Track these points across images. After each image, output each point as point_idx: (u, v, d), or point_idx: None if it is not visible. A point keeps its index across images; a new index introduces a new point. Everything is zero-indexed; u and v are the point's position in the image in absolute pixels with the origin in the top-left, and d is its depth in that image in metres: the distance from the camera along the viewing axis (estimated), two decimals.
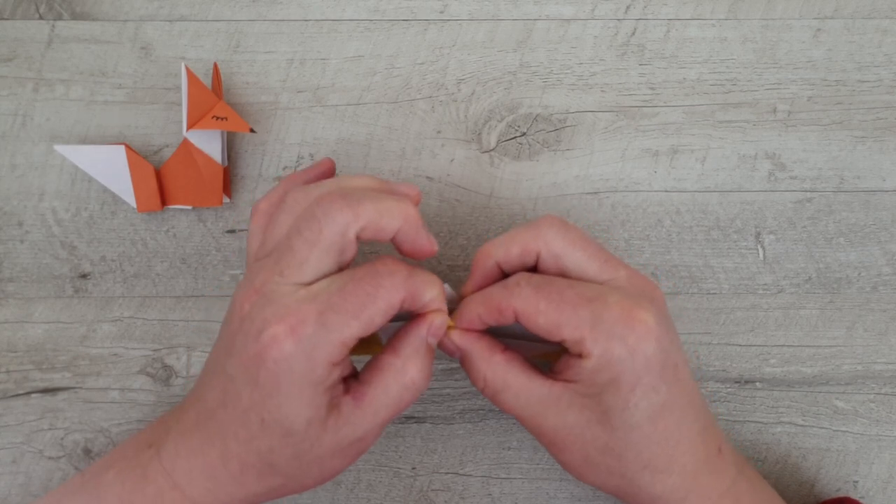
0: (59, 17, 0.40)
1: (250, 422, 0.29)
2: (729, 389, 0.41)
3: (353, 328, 0.28)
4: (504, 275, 0.33)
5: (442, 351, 0.33)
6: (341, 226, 0.29)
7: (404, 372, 0.30)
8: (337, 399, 0.30)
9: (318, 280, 0.29)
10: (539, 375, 0.32)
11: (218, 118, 0.37)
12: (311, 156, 0.40)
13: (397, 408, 0.31)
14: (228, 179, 0.40)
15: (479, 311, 0.32)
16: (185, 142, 0.38)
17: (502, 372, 0.32)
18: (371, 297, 0.28)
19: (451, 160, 0.41)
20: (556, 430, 0.31)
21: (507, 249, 0.32)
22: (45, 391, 0.40)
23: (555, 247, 0.31)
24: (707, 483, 0.33)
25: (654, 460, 0.31)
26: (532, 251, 0.32)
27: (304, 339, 0.28)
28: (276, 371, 0.28)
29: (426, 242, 0.31)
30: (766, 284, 0.41)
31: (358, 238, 0.30)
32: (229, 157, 0.40)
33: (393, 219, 0.30)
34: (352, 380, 0.31)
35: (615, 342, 0.29)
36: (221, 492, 0.31)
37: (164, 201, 0.39)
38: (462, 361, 0.33)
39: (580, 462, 0.32)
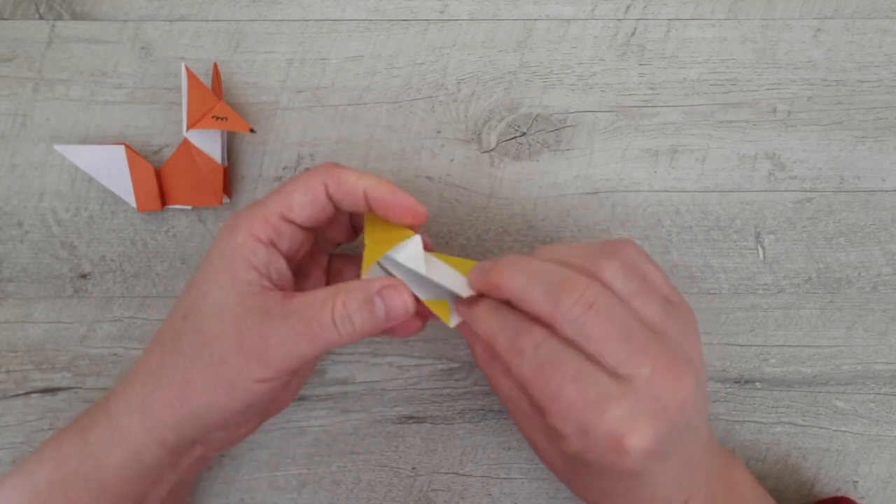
0: (59, 17, 0.40)
1: (182, 294, 0.32)
2: (729, 389, 0.41)
3: (270, 202, 0.31)
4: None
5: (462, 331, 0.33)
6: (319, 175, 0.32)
7: (335, 296, 0.30)
8: (268, 290, 0.31)
9: None
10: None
11: (218, 118, 0.37)
12: (311, 156, 0.40)
13: (310, 327, 0.29)
14: (228, 179, 0.40)
15: (490, 328, 0.31)
16: (185, 142, 0.38)
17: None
18: (293, 181, 0.32)
19: (451, 160, 0.41)
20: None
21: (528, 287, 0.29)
22: (45, 391, 0.40)
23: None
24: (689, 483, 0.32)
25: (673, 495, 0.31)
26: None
27: (235, 222, 0.31)
28: (210, 255, 0.32)
29: (405, 198, 0.31)
30: (766, 284, 0.41)
31: (329, 195, 0.31)
32: (229, 157, 0.40)
33: (361, 178, 0.31)
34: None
35: (599, 455, 0.28)
36: (127, 384, 0.32)
37: (164, 201, 0.39)
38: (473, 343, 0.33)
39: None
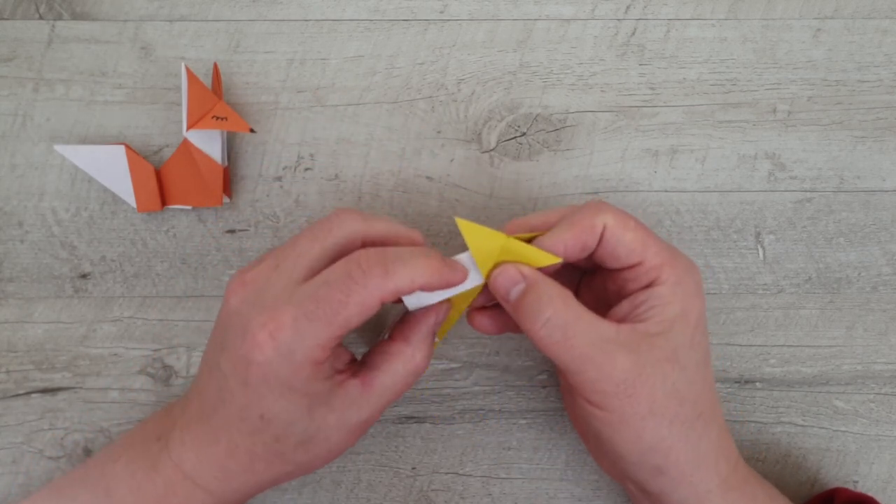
0: (59, 17, 0.40)
1: (250, 417, 0.30)
2: (729, 389, 0.41)
3: (328, 333, 0.28)
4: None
5: (494, 290, 0.32)
6: (348, 231, 0.31)
7: (413, 359, 0.32)
8: (343, 382, 0.31)
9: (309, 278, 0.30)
10: (604, 319, 0.31)
11: (218, 118, 0.37)
12: (311, 156, 0.40)
13: (402, 391, 0.32)
14: (228, 179, 0.40)
15: (564, 238, 0.31)
16: (185, 142, 0.38)
17: (575, 306, 0.31)
18: (343, 304, 0.28)
19: (451, 160, 0.41)
20: (629, 370, 0.30)
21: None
22: (45, 391, 0.40)
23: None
24: (731, 443, 0.33)
25: (706, 407, 0.32)
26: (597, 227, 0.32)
27: (283, 344, 0.28)
28: (261, 374, 0.29)
29: (453, 275, 0.31)
30: (766, 284, 0.41)
31: (382, 303, 0.30)
32: (229, 157, 0.40)
33: (416, 281, 0.30)
34: (358, 365, 0.32)
35: (688, 276, 0.31)
36: (233, 480, 0.32)
37: (164, 201, 0.39)
38: (521, 297, 0.31)
39: (645, 412, 0.30)
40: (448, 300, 0.33)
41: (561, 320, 0.30)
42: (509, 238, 0.32)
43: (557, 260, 0.31)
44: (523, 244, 0.32)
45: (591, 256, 0.33)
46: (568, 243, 0.31)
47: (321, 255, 0.30)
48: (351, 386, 0.31)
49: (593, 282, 0.35)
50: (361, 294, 0.28)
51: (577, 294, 0.36)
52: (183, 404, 0.33)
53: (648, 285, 0.31)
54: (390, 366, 0.32)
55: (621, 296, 0.32)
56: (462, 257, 0.32)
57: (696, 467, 0.31)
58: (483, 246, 0.32)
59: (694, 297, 0.31)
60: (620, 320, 0.31)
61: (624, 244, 0.31)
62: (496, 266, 0.32)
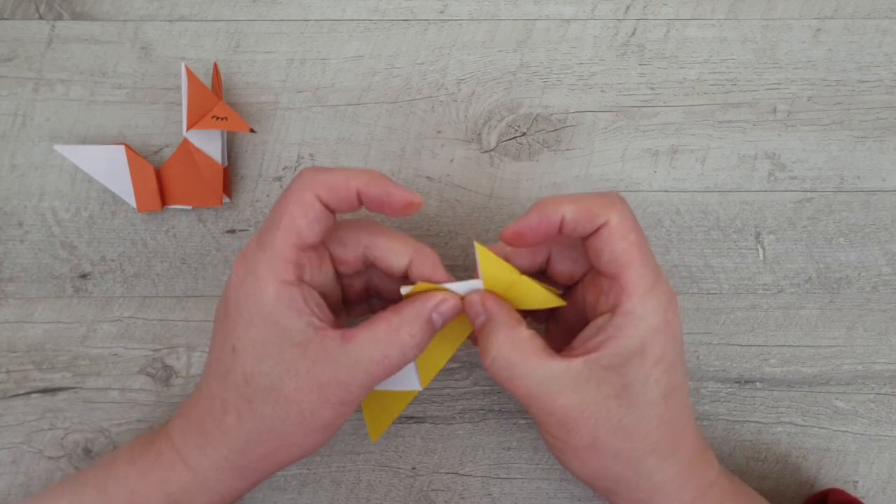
0: (59, 17, 0.40)
1: (225, 353, 0.31)
2: (729, 389, 0.41)
3: (280, 238, 0.30)
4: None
5: (467, 310, 0.33)
6: (305, 185, 0.31)
7: (398, 330, 0.31)
8: (322, 332, 0.30)
9: None
10: (556, 354, 0.31)
11: (218, 118, 0.37)
12: (311, 156, 0.40)
13: (382, 364, 0.31)
14: (228, 179, 0.40)
15: (565, 210, 0.30)
16: (185, 142, 0.38)
17: (522, 344, 0.31)
18: (284, 203, 0.30)
19: (451, 160, 0.41)
20: (570, 408, 0.30)
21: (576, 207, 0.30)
22: (45, 391, 0.40)
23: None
24: (700, 473, 0.33)
25: (661, 444, 0.31)
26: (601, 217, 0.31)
27: (249, 261, 0.31)
28: (236, 297, 0.31)
29: (398, 194, 0.31)
30: (766, 284, 0.41)
31: (324, 204, 0.30)
32: (229, 157, 0.40)
33: (349, 178, 0.30)
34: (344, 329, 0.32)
35: (657, 312, 0.30)
36: (208, 445, 0.32)
37: (164, 201, 0.39)
38: (480, 328, 0.32)
39: (587, 445, 0.31)
40: (457, 299, 0.32)
41: (505, 361, 0.31)
42: (521, 276, 0.32)
43: (562, 303, 0.33)
44: (533, 284, 0.32)
45: (583, 242, 0.33)
46: (567, 216, 0.30)
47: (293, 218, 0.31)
48: (329, 338, 0.30)
49: (575, 292, 0.35)
50: (298, 195, 0.30)
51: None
52: None
53: (614, 308, 0.31)
54: (373, 327, 0.31)
55: (596, 310, 0.32)
56: (471, 283, 0.33)
57: (650, 494, 0.32)
58: (495, 276, 0.32)
59: (658, 334, 0.30)
60: (582, 343, 0.31)
61: (611, 249, 0.30)
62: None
